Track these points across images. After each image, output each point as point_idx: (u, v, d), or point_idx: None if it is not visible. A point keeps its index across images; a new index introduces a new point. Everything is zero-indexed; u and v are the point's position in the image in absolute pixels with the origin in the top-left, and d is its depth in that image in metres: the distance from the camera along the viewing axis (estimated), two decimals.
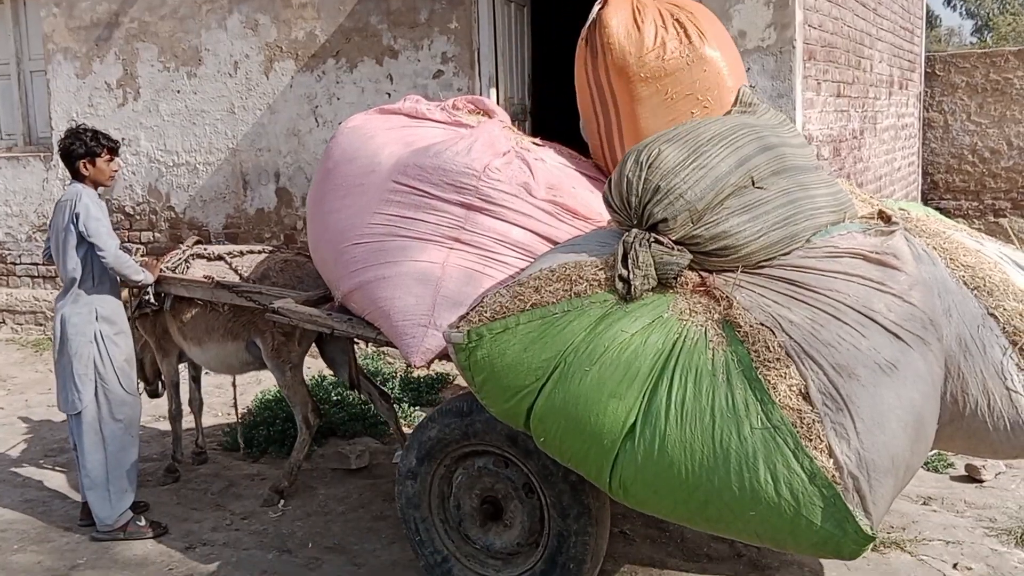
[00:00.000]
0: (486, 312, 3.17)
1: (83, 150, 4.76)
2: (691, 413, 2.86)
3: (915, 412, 2.91)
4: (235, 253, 5.27)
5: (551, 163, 4.32)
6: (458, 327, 3.18)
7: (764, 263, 3.24)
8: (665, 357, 2.98)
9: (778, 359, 2.89)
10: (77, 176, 4.79)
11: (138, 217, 8.87)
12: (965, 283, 3.69)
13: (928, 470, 5.29)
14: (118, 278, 4.81)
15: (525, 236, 4.00)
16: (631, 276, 3.10)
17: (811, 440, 2.74)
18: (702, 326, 3.05)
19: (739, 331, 2.99)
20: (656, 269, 3.13)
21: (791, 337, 2.95)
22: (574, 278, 3.19)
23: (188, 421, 5.83)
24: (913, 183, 11.69)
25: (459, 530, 3.91)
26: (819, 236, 3.34)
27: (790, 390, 2.83)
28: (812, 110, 6.98)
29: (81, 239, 4.66)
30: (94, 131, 4.86)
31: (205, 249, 5.32)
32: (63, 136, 4.85)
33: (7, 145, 9.64)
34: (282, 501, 5.06)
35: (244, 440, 5.83)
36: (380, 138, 4.21)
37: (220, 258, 5.22)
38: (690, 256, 3.18)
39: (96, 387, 4.74)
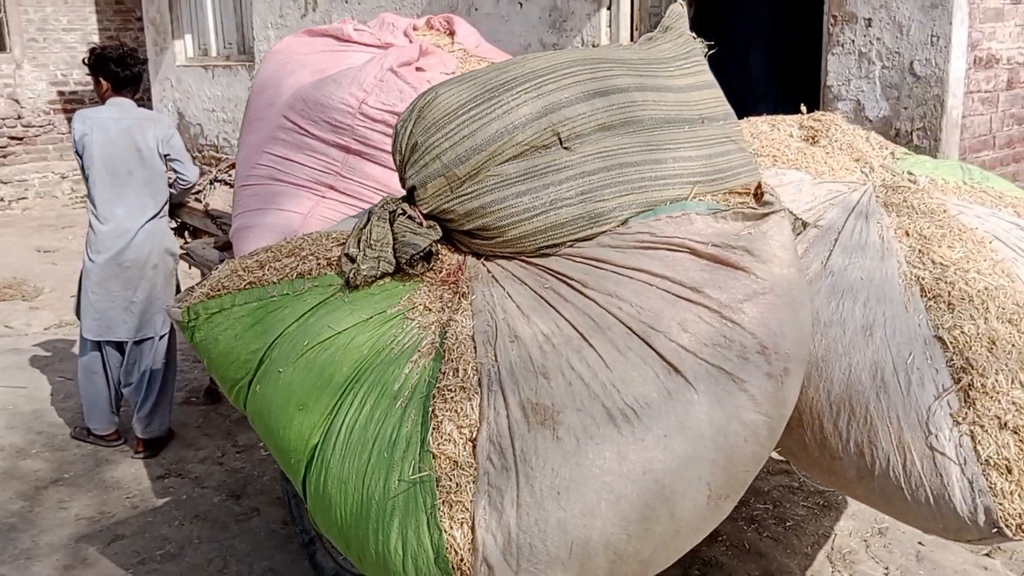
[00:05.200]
0: (205, 288, 2.67)
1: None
2: (355, 445, 2.21)
3: (649, 481, 2.04)
4: None
5: None
6: (179, 303, 2.71)
7: (550, 249, 2.45)
8: (364, 367, 2.34)
9: (463, 388, 2.14)
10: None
11: None
12: (922, 289, 2.62)
13: None
14: None
15: None
16: (360, 256, 2.46)
17: (452, 506, 2.00)
18: (425, 329, 2.36)
19: (444, 343, 2.26)
20: (395, 250, 2.46)
21: (496, 358, 2.18)
22: (304, 253, 2.58)
23: None
24: None
25: None
26: (643, 217, 2.45)
27: (458, 433, 2.08)
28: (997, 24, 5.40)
29: None
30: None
31: (230, 174, 5.18)
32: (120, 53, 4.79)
33: (227, 54, 10.15)
34: None
35: None
36: (291, 65, 3.74)
37: None
38: (437, 236, 2.47)
39: None
